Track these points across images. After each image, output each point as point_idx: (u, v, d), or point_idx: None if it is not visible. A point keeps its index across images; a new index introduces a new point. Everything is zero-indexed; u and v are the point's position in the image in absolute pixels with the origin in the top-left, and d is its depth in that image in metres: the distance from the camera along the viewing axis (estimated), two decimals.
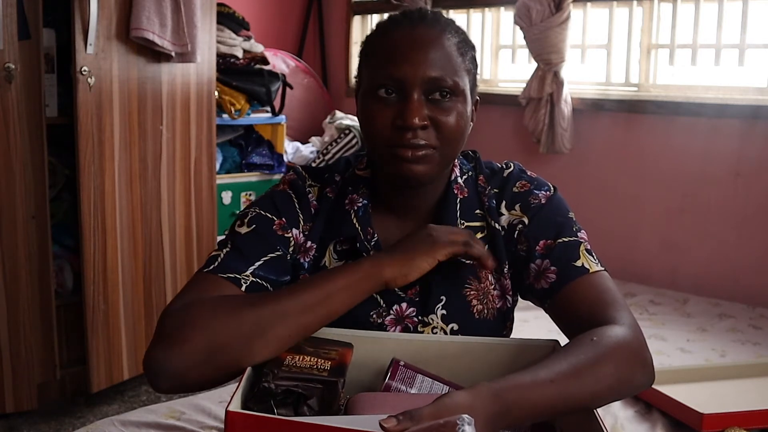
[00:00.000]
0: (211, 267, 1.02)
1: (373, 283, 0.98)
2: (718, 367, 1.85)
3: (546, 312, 1.07)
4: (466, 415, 0.70)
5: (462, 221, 1.10)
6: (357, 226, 1.09)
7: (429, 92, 1.01)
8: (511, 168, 1.15)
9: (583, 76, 3.30)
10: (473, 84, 1.08)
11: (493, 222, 1.11)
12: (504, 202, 1.12)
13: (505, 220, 1.11)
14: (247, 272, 1.01)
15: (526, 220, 1.09)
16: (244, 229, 1.06)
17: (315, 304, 0.94)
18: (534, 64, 3.17)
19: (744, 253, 2.79)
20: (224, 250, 1.04)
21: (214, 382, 0.92)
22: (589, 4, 3.21)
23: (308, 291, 0.95)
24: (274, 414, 0.83)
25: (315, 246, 1.10)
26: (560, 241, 1.06)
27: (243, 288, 1.00)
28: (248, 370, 0.89)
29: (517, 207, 1.11)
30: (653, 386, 1.60)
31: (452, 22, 1.08)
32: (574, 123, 3.15)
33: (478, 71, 1.12)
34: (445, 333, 1.07)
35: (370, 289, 0.98)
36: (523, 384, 0.82)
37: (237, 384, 0.86)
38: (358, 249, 1.08)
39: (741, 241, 2.80)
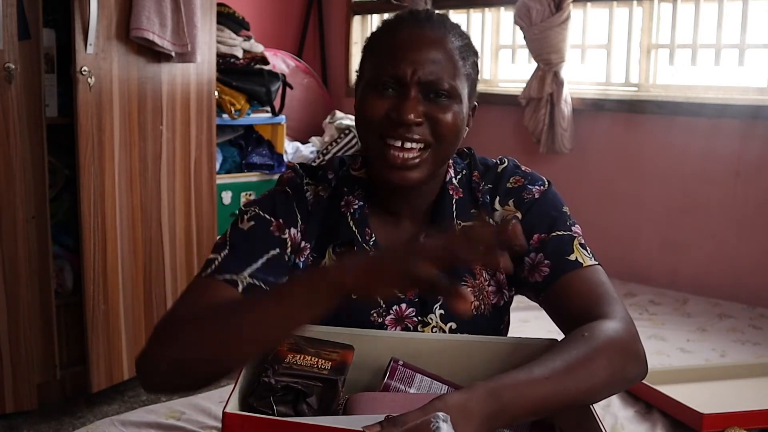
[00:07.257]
0: (209, 270, 1.02)
1: (335, 294, 0.84)
2: (718, 367, 1.85)
3: (540, 305, 1.08)
4: (441, 413, 0.70)
5: (459, 221, 1.11)
6: (354, 228, 1.09)
7: (426, 92, 1.02)
8: (506, 164, 1.16)
9: (583, 76, 3.30)
10: (472, 89, 1.08)
11: (487, 218, 1.11)
12: (498, 198, 1.12)
13: (498, 215, 1.12)
14: (245, 273, 1.01)
15: (519, 215, 1.10)
16: (244, 226, 1.07)
17: (275, 325, 0.87)
18: (534, 64, 3.17)
19: (744, 253, 2.79)
20: (222, 253, 1.04)
21: (191, 389, 0.97)
22: (589, 4, 3.21)
23: (267, 308, 0.88)
24: (274, 410, 0.83)
25: (309, 246, 1.10)
26: (554, 234, 1.07)
27: (240, 289, 1.00)
28: (244, 369, 0.89)
29: (510, 202, 1.12)
30: (653, 386, 1.62)
31: (458, 26, 1.09)
32: (574, 123, 3.15)
33: (479, 73, 1.12)
34: (444, 332, 1.07)
35: (333, 299, 0.84)
36: (519, 382, 0.82)
37: (233, 384, 0.86)
38: (356, 251, 1.08)
39: (741, 241, 2.80)
